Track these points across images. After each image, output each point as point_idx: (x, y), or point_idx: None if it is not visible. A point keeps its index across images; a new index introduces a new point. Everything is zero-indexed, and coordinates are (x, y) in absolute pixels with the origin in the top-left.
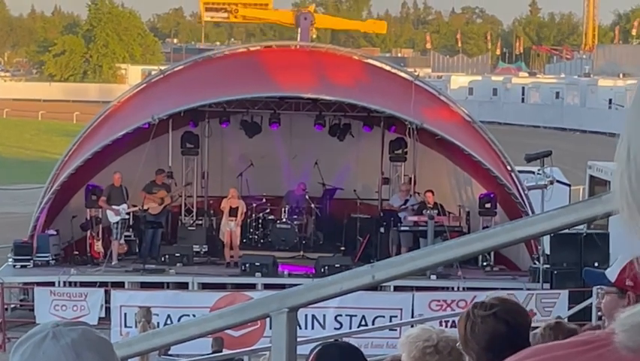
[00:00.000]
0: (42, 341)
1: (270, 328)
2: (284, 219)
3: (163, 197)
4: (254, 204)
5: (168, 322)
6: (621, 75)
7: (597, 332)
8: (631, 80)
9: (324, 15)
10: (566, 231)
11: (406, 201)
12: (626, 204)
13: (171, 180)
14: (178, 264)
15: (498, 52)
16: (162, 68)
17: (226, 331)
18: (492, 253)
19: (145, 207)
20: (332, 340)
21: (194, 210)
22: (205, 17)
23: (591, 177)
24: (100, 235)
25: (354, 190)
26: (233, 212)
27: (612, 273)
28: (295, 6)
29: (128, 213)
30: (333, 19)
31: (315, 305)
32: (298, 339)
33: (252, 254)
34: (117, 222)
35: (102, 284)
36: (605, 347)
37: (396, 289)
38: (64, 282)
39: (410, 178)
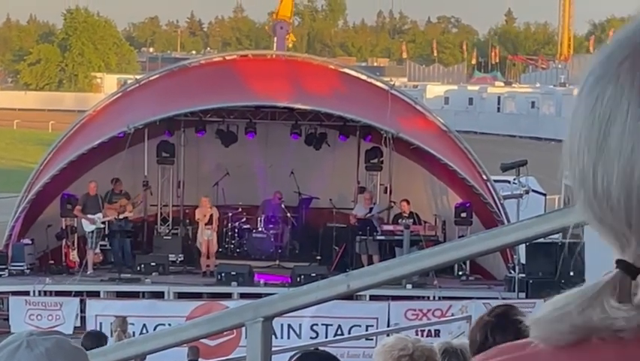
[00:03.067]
0: (16, 350)
1: (246, 337)
2: (260, 229)
3: (124, 205)
4: (230, 214)
5: (144, 331)
6: None
7: None
8: None
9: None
10: (542, 240)
11: (371, 209)
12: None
13: (147, 189)
14: (154, 273)
15: (474, 61)
16: (138, 77)
17: (202, 340)
18: (468, 263)
19: (120, 216)
20: (311, 348)
21: (170, 219)
22: None
23: (567, 186)
24: (75, 245)
25: (330, 199)
26: (209, 220)
27: None
28: (271, 15)
29: (104, 223)
30: None
31: (291, 314)
32: (274, 348)
33: (227, 263)
34: (92, 232)
35: (77, 293)
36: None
37: (372, 298)
38: (40, 291)
39: (386, 187)
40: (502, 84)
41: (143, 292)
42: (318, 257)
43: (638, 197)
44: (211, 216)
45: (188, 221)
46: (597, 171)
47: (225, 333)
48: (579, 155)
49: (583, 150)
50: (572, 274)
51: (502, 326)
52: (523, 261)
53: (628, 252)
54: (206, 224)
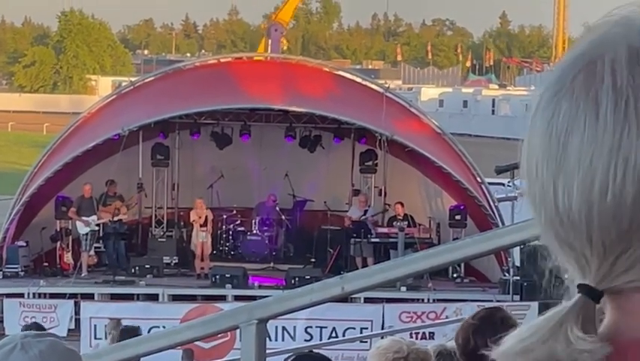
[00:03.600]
0: (10, 352)
1: (240, 339)
2: (254, 231)
3: (118, 207)
4: (224, 216)
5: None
6: None
7: None
8: None
9: None
10: (536, 242)
11: (365, 211)
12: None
13: (142, 192)
14: (148, 275)
15: (468, 64)
16: (132, 79)
17: (196, 343)
18: (462, 265)
19: (115, 219)
20: (306, 350)
21: (165, 221)
22: None
23: None
24: (70, 247)
25: (325, 202)
26: (204, 222)
27: None
28: (266, 17)
29: (98, 225)
30: None
31: (285, 317)
32: (268, 351)
33: (222, 266)
34: (87, 234)
35: (72, 296)
36: None
37: (367, 300)
38: (34, 293)
39: (380, 190)
40: (496, 87)
41: (138, 295)
42: (313, 260)
43: (598, 209)
44: (206, 218)
45: (182, 223)
46: (558, 185)
47: (220, 335)
48: (538, 172)
49: (542, 166)
50: (566, 276)
51: (483, 328)
52: (517, 263)
53: (589, 275)
54: (200, 226)
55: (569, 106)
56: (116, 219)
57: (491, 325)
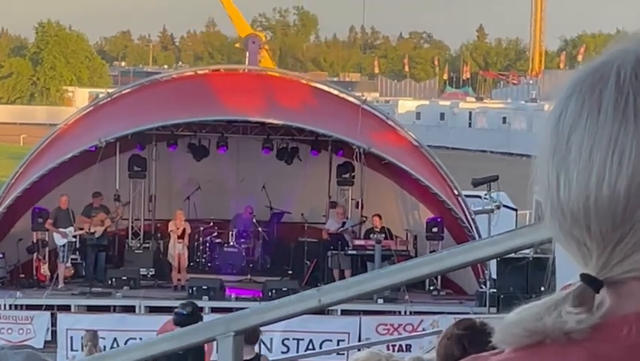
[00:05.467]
0: None
1: (217, 352)
2: (231, 243)
3: (102, 219)
4: (201, 228)
5: (115, 345)
6: None
7: None
8: None
9: None
10: (513, 255)
11: (343, 223)
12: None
13: (118, 203)
14: (125, 287)
15: (445, 77)
16: (110, 90)
17: None
18: (439, 277)
19: (91, 230)
20: None
21: (141, 233)
22: None
23: (537, 201)
24: (46, 258)
25: (302, 214)
26: (181, 234)
27: None
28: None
29: (75, 236)
30: None
31: (262, 329)
32: None
33: (199, 277)
34: (64, 245)
35: (48, 307)
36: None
37: (344, 313)
38: (10, 305)
39: (357, 202)
40: (473, 100)
41: (114, 306)
42: (290, 272)
43: (595, 199)
44: (184, 230)
45: (159, 235)
46: (560, 177)
47: None
48: (546, 166)
49: (548, 160)
50: (542, 289)
51: (472, 337)
52: (494, 276)
53: (590, 265)
54: (178, 238)
55: (575, 104)
56: (92, 230)
57: (480, 333)
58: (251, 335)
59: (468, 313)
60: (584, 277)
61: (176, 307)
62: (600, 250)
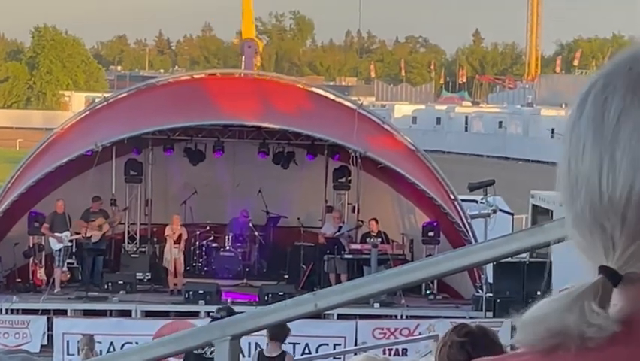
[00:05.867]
0: None
1: (214, 356)
2: (227, 247)
3: (101, 224)
4: (197, 232)
5: (111, 350)
6: (564, 105)
7: None
8: None
9: None
10: (509, 259)
11: (340, 227)
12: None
13: (115, 208)
14: (121, 291)
15: (441, 81)
16: (106, 95)
17: (169, 359)
18: (435, 282)
19: (88, 235)
20: None
21: (138, 237)
22: None
23: (534, 206)
24: (42, 263)
25: (298, 218)
26: (177, 239)
27: None
28: (240, 34)
29: (71, 241)
30: None
31: (258, 333)
32: None
33: (195, 282)
34: (60, 250)
35: (44, 312)
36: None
37: (340, 317)
38: (6, 309)
39: (354, 206)
40: (469, 104)
41: (111, 311)
42: (286, 276)
43: (639, 189)
44: (180, 235)
45: (155, 239)
46: (603, 164)
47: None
48: (585, 152)
49: (590, 147)
50: (538, 293)
51: (475, 343)
52: (490, 280)
53: (611, 258)
54: (174, 242)
55: (623, 93)
56: (89, 234)
57: (480, 338)
58: (279, 333)
59: (464, 317)
60: (605, 270)
61: (213, 312)
62: (629, 242)
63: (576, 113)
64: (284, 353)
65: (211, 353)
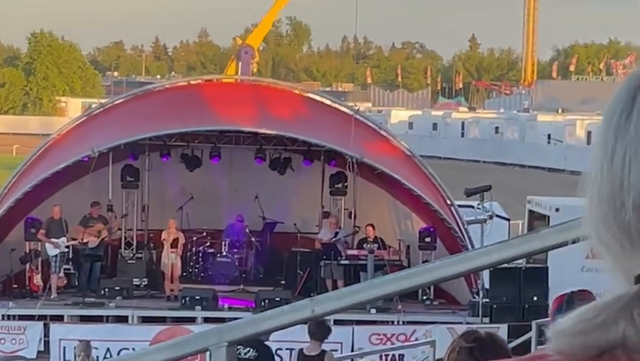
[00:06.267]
0: None
1: None
2: (224, 253)
3: (100, 230)
4: (194, 238)
5: (108, 356)
6: (560, 110)
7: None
8: (570, 116)
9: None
10: (506, 265)
11: (336, 233)
12: (595, 233)
13: (111, 214)
14: (118, 297)
15: (438, 87)
16: (102, 101)
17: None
18: (432, 287)
19: (84, 241)
20: None
21: (134, 243)
22: None
23: (530, 211)
24: (39, 268)
25: (295, 224)
26: (174, 244)
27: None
28: (234, 39)
29: (68, 247)
30: None
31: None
32: None
33: (192, 288)
34: (56, 256)
35: (41, 318)
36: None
37: (336, 322)
38: (3, 315)
39: (350, 212)
40: (466, 110)
41: (107, 317)
42: (283, 282)
43: None
44: (177, 239)
45: (152, 245)
46: (633, 160)
47: (189, 358)
48: (612, 146)
49: (622, 146)
50: (535, 299)
51: (484, 349)
52: (487, 286)
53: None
54: (170, 247)
55: None
56: (85, 240)
57: (489, 343)
58: (320, 332)
59: (461, 323)
60: None
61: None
62: None
63: (607, 117)
64: (324, 351)
65: (246, 354)
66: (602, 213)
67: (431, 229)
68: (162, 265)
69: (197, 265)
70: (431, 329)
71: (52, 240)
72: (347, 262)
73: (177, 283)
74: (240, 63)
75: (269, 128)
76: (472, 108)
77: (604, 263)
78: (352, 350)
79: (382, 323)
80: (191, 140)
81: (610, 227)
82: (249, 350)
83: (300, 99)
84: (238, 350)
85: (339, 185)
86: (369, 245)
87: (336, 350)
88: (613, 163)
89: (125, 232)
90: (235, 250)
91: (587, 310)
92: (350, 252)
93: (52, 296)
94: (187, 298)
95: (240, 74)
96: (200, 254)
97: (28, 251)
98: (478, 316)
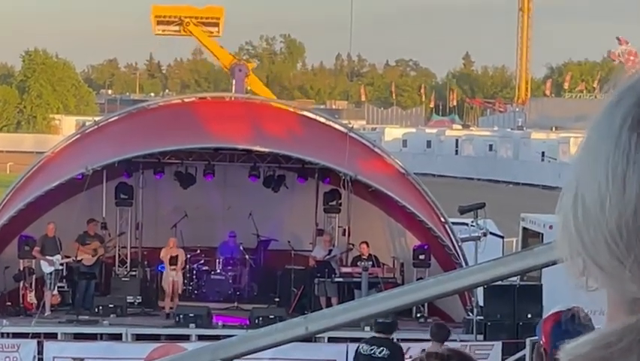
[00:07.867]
0: None
1: None
2: (218, 270)
3: (96, 248)
4: (188, 256)
5: None
6: (554, 128)
7: None
8: (563, 133)
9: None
10: (500, 282)
11: (330, 251)
12: (568, 250)
13: (105, 231)
14: (112, 315)
15: (432, 104)
16: (96, 118)
17: None
18: (426, 305)
19: (79, 258)
20: None
21: (128, 260)
22: (157, 31)
23: (524, 229)
24: (33, 286)
25: (289, 241)
26: (173, 261)
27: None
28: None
29: (62, 264)
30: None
31: (249, 356)
32: None
33: (186, 305)
34: (51, 273)
35: (35, 335)
36: None
37: (331, 340)
38: None
39: (344, 230)
40: (460, 127)
41: (101, 334)
42: (277, 299)
43: None
44: (176, 257)
45: (146, 263)
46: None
47: None
48: (613, 169)
49: (616, 162)
50: (529, 316)
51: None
52: (481, 303)
53: None
54: (171, 265)
55: None
56: (79, 258)
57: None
58: (442, 332)
59: (455, 340)
60: None
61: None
62: None
63: (590, 132)
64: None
65: (380, 353)
66: (604, 240)
67: (425, 247)
68: (164, 281)
69: (192, 283)
70: (425, 346)
71: (47, 257)
72: (341, 279)
73: (177, 299)
74: (234, 81)
75: (263, 145)
76: (466, 126)
77: (596, 282)
78: None
79: None
80: (185, 157)
81: (615, 253)
82: (383, 350)
83: (294, 117)
84: (372, 349)
85: (333, 202)
86: (363, 263)
87: None
88: (625, 191)
89: (119, 250)
90: (229, 268)
91: (601, 336)
92: (344, 269)
93: (46, 314)
94: (181, 316)
95: (234, 91)
96: (194, 272)
97: (22, 269)
98: (472, 333)
